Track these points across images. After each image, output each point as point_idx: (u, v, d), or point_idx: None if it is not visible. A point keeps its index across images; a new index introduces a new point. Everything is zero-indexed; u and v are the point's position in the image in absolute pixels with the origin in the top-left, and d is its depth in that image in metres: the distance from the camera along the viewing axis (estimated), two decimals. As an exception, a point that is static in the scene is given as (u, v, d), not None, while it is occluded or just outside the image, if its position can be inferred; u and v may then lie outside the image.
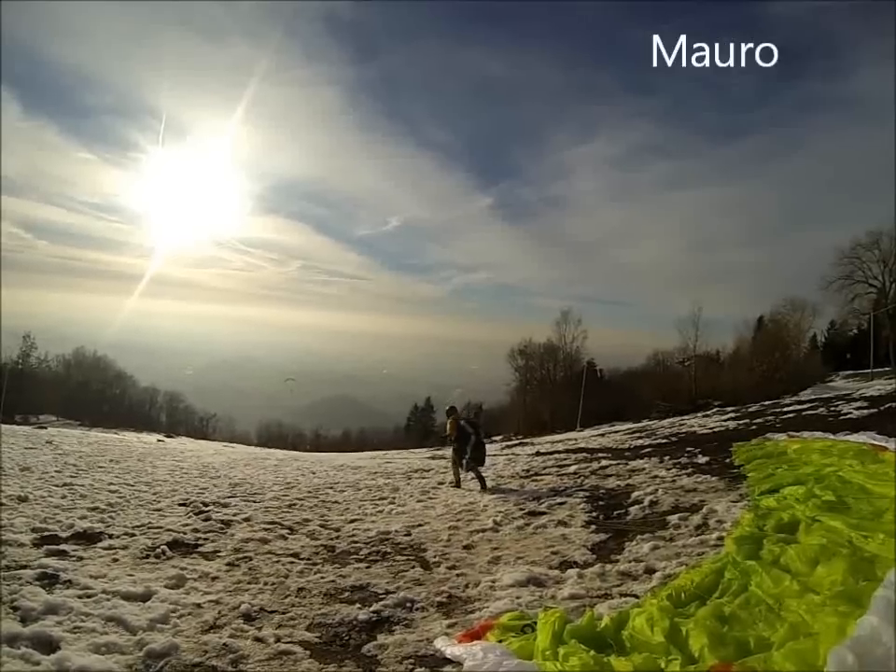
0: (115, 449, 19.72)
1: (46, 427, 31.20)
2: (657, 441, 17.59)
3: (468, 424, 12.78)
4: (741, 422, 20.81)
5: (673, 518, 7.80)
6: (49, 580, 5.98)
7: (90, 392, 75.90)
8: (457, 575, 6.53)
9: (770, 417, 20.46)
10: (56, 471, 12.85)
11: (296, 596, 5.99)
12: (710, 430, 19.61)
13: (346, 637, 5.01)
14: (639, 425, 31.27)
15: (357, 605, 5.72)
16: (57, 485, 11.14)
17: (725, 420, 22.64)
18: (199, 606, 5.60)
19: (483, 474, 12.40)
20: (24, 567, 6.31)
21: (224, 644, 4.72)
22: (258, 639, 4.87)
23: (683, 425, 23.65)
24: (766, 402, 28.76)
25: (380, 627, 5.18)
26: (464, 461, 12.30)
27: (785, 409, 23.13)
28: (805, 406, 22.98)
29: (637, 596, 5.23)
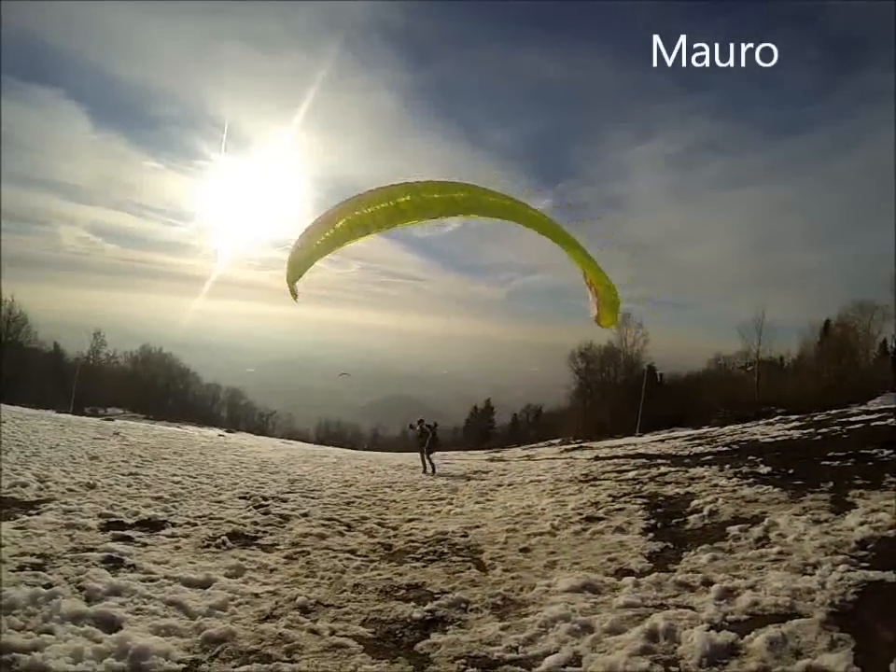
0: (178, 442, 20.24)
1: (113, 420, 32.22)
2: (718, 449, 17.20)
3: (429, 428, 19.23)
4: (805, 431, 20.13)
5: (733, 529, 7.56)
6: (114, 563, 6.23)
7: (155, 387, 78.22)
8: (513, 578, 6.51)
9: (836, 427, 19.78)
10: (123, 461, 13.30)
11: (352, 592, 6.07)
12: (773, 439, 19.03)
13: (400, 634, 5.05)
14: (700, 431, 30.63)
15: (412, 603, 5.76)
16: (123, 474, 11.53)
17: (789, 429, 21.95)
18: (256, 596, 5.75)
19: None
20: (91, 549, 6.58)
21: (280, 634, 4.83)
22: (313, 631, 4.96)
23: (745, 432, 23.05)
24: (832, 411, 27.71)
25: (434, 626, 5.21)
26: (425, 449, 18.54)
27: (852, 418, 22.33)
28: (873, 416, 22.14)
29: (693, 608, 5.13)
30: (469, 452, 38.28)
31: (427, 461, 18.05)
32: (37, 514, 7.88)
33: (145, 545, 7.08)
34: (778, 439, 18.73)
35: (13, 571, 5.66)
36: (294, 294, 7.11)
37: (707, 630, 4.54)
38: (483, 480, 14.42)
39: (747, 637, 4.41)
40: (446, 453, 34.20)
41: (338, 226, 6.05)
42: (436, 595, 5.96)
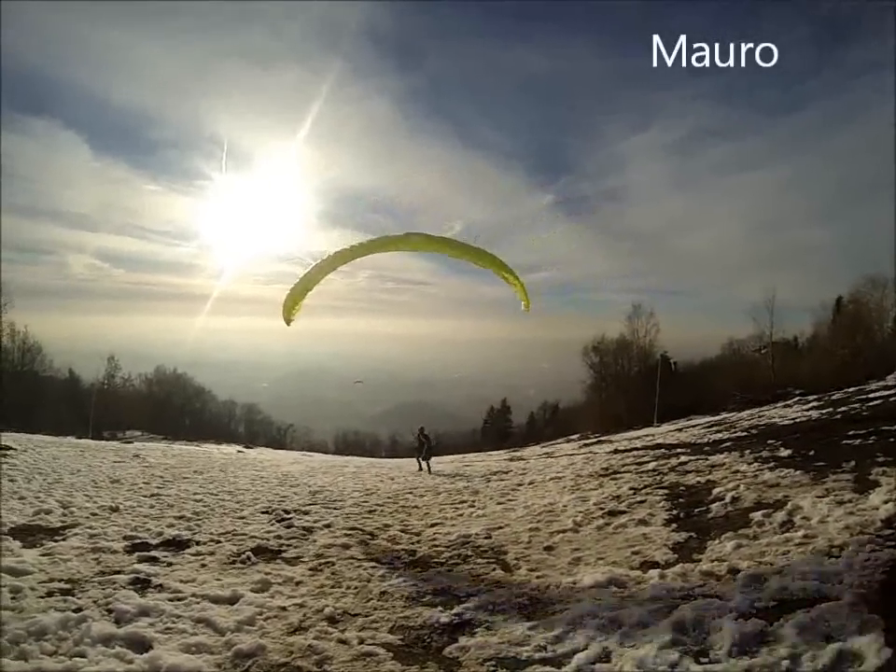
0: (197, 461, 20.31)
1: (132, 442, 32.39)
2: (736, 435, 17.14)
3: (424, 436, 21.33)
4: (824, 411, 20.01)
5: (756, 515, 7.54)
6: (141, 584, 6.30)
7: (171, 407, 78.85)
8: (538, 577, 6.51)
9: (856, 405, 19.62)
10: (144, 483, 13.35)
11: (378, 600, 6.09)
12: (792, 421, 18.93)
13: (428, 640, 5.07)
14: (717, 418, 30.46)
15: (439, 608, 5.77)
16: (145, 496, 11.58)
17: (807, 410, 21.83)
18: (284, 609, 5.77)
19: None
20: (118, 572, 6.65)
21: (309, 645, 4.86)
22: (341, 641, 4.99)
23: (763, 416, 22.95)
24: (850, 389, 27.35)
25: (461, 630, 5.22)
26: (422, 456, 20.67)
27: (871, 395, 22.13)
28: (892, 391, 21.96)
29: (720, 597, 5.11)
30: (488, 453, 38.23)
31: (423, 463, 20.54)
32: (63, 540, 7.95)
33: (170, 565, 7.14)
34: (797, 420, 18.64)
35: (42, 597, 5.72)
36: (287, 322, 10.88)
37: (736, 619, 4.52)
38: (503, 480, 14.40)
39: (776, 623, 4.39)
40: (465, 455, 34.27)
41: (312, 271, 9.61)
42: (462, 599, 5.97)
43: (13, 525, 8.50)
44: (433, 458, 21.85)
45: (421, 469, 20.60)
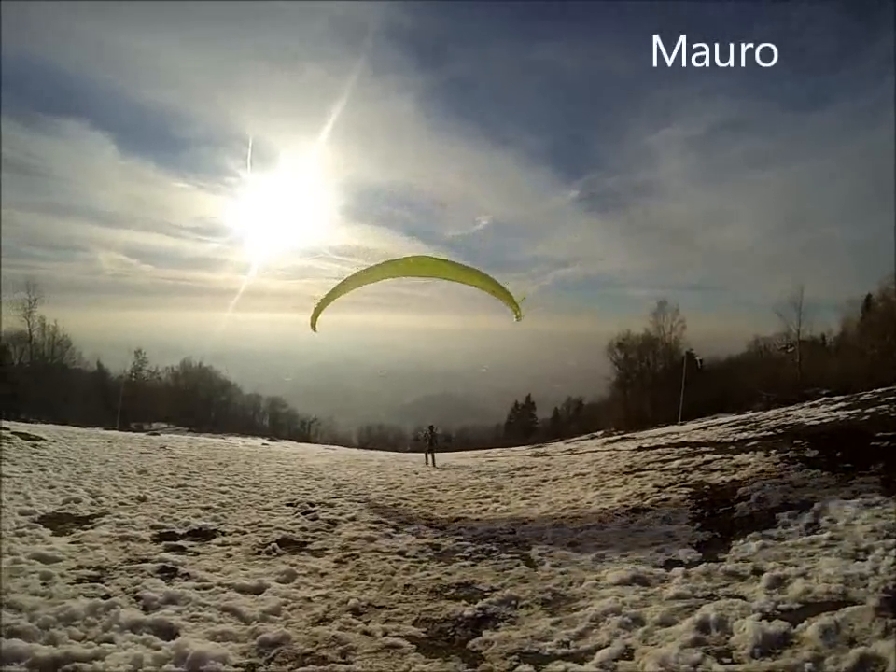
0: (223, 453, 20.51)
1: (159, 434, 32.85)
2: (762, 434, 16.96)
3: (433, 435, 24.04)
4: (852, 412, 19.73)
5: (782, 516, 7.45)
6: (168, 572, 6.39)
7: (197, 400, 79.89)
8: (561, 573, 6.51)
9: (884, 406, 19.32)
10: (171, 474, 13.52)
11: (402, 593, 6.12)
12: (819, 421, 18.69)
13: (452, 633, 5.09)
14: (743, 416, 30.18)
15: (463, 601, 5.80)
16: (172, 487, 11.73)
17: (835, 410, 21.52)
18: (309, 600, 5.83)
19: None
20: (146, 560, 6.75)
21: (333, 636, 4.90)
22: (366, 633, 5.03)
23: (789, 416, 22.67)
24: (879, 390, 26.86)
25: (485, 624, 5.24)
26: (430, 449, 23.13)
27: (901, 397, 21.83)
28: (923, 393, 21.65)
29: (744, 598, 5.09)
30: (512, 448, 38.19)
31: (429, 457, 22.80)
32: (92, 528, 8.09)
33: (197, 554, 7.24)
34: (824, 421, 18.43)
35: (71, 584, 5.83)
36: (313, 328, 13.97)
37: (759, 620, 4.50)
38: (527, 476, 14.38)
39: (799, 625, 4.37)
40: (490, 450, 34.29)
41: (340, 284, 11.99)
42: (486, 593, 5.99)
43: (43, 514, 8.66)
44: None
45: (427, 463, 22.45)
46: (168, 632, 4.86)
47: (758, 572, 5.71)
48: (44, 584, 5.75)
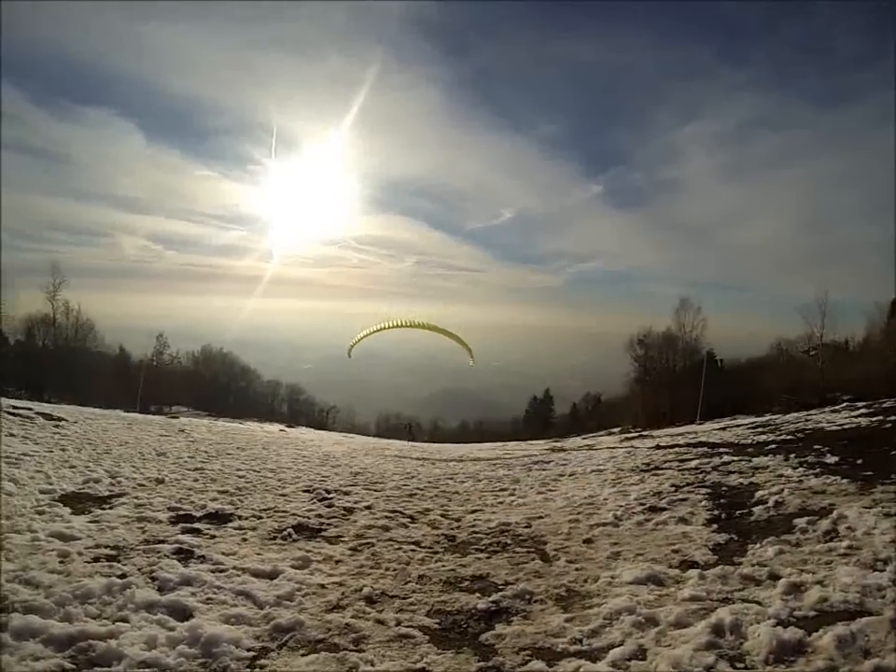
0: (241, 438, 20.66)
1: (178, 417, 33.13)
2: (781, 438, 16.77)
3: (410, 431, 30.82)
4: (874, 419, 19.49)
5: (800, 522, 7.35)
6: (184, 554, 6.47)
7: (217, 385, 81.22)
8: (576, 569, 6.49)
9: (907, 414, 19.15)
10: (189, 457, 13.66)
11: (416, 583, 6.15)
12: (840, 427, 18.41)
13: (465, 625, 5.11)
14: (762, 419, 29.87)
15: (477, 594, 5.81)
16: (190, 469, 11.87)
17: (856, 416, 21.22)
18: (323, 586, 5.88)
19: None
20: (162, 541, 6.84)
21: (346, 624, 4.94)
22: (379, 621, 5.06)
23: (810, 420, 22.40)
24: (903, 397, 26.79)
25: (498, 617, 5.25)
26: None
27: (925, 405, 21.54)
28: (948, 402, 21.34)
29: (759, 603, 5.04)
30: (529, 442, 38.19)
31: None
32: (110, 508, 8.19)
33: (213, 537, 7.31)
34: (845, 427, 18.18)
35: (88, 562, 5.92)
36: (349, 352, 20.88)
37: (774, 626, 4.46)
38: (544, 470, 14.34)
39: (814, 634, 4.31)
40: (507, 443, 34.42)
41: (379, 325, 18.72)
42: (500, 587, 6.00)
43: (63, 492, 8.79)
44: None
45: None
46: (182, 613, 4.92)
47: (774, 577, 5.65)
48: (62, 562, 5.84)
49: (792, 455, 12.01)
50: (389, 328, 19.86)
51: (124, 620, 4.66)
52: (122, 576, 5.57)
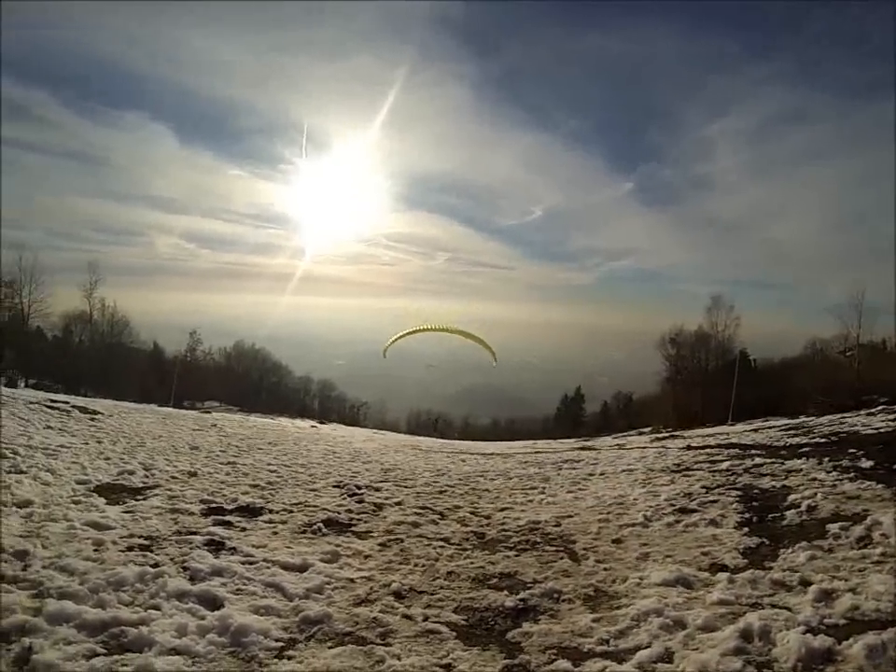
0: (272, 433, 20.89)
1: (210, 412, 33.72)
2: (815, 440, 16.51)
3: (437, 423, 30.04)
4: (912, 423, 19.19)
5: (833, 527, 7.19)
6: (215, 545, 6.58)
7: (249, 381, 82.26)
8: (605, 569, 6.48)
9: (946, 419, 18.74)
10: (221, 451, 13.86)
11: (445, 579, 6.18)
12: (876, 431, 18.00)
13: (492, 622, 5.13)
14: (795, 421, 29.41)
15: (505, 592, 5.83)
16: (222, 463, 12.02)
17: (893, 420, 20.94)
18: (352, 581, 5.93)
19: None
20: (194, 533, 6.96)
21: (374, 618, 5.00)
22: (406, 616, 5.10)
23: (844, 423, 21.97)
24: (942, 400, 26.18)
25: (525, 615, 5.26)
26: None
27: (965, 409, 21.06)
28: None
29: (789, 609, 4.98)
30: (560, 440, 38.08)
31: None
32: (144, 500, 8.36)
33: (244, 530, 7.42)
34: (882, 430, 17.83)
35: (122, 551, 6.06)
36: (384, 353, 24.41)
37: (804, 633, 4.39)
38: (574, 469, 14.28)
39: (845, 642, 4.24)
40: (537, 442, 34.39)
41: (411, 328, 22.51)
42: (528, 585, 6.01)
43: (99, 483, 9.02)
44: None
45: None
46: (213, 603, 5.02)
47: (805, 583, 5.56)
48: (96, 550, 5.99)
49: (826, 459, 11.81)
50: (421, 331, 22.35)
51: (156, 608, 4.77)
52: (155, 565, 5.70)
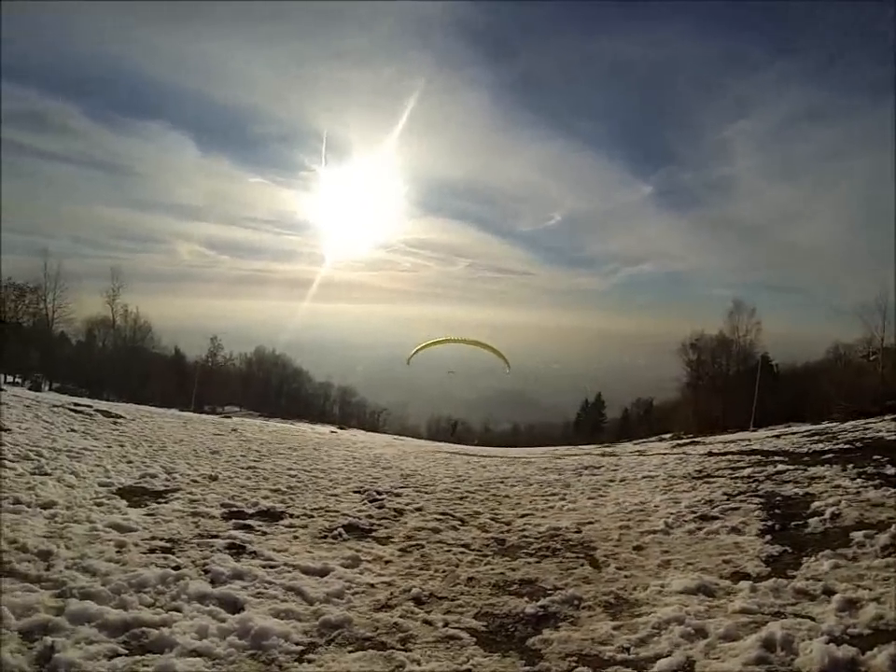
0: (292, 438, 20.98)
1: (231, 417, 33.96)
2: (839, 447, 16.30)
3: (454, 427, 32.64)
4: (938, 429, 18.91)
5: (857, 535, 7.08)
6: (236, 549, 6.62)
7: (269, 386, 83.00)
8: (626, 576, 6.44)
9: (973, 425, 18.47)
10: (241, 455, 13.95)
11: (465, 585, 6.17)
12: (901, 437, 17.98)
13: (512, 629, 5.11)
14: (818, 427, 29.05)
15: (525, 598, 5.81)
16: (242, 468, 12.10)
17: (919, 426, 20.68)
18: (372, 586, 5.95)
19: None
20: (215, 536, 7.02)
21: (394, 623, 5.00)
22: (426, 622, 5.10)
23: (869, 429, 21.67)
24: (969, 406, 25.75)
25: (546, 622, 5.24)
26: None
27: None
28: None
29: (812, 619, 4.92)
30: (580, 446, 37.91)
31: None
32: (165, 503, 8.44)
33: (265, 534, 7.46)
34: (907, 436, 17.67)
35: (144, 553, 6.14)
36: (408, 361, 34.72)
37: (827, 643, 4.32)
38: (594, 475, 14.22)
39: (868, 652, 4.18)
40: (557, 448, 34.29)
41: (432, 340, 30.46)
42: (549, 591, 5.98)
43: (121, 486, 9.11)
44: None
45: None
46: (233, 606, 5.06)
47: (829, 592, 5.49)
48: (118, 552, 6.06)
49: (850, 466, 11.66)
50: (442, 342, 26.58)
51: (177, 609, 4.83)
52: (176, 567, 5.76)
